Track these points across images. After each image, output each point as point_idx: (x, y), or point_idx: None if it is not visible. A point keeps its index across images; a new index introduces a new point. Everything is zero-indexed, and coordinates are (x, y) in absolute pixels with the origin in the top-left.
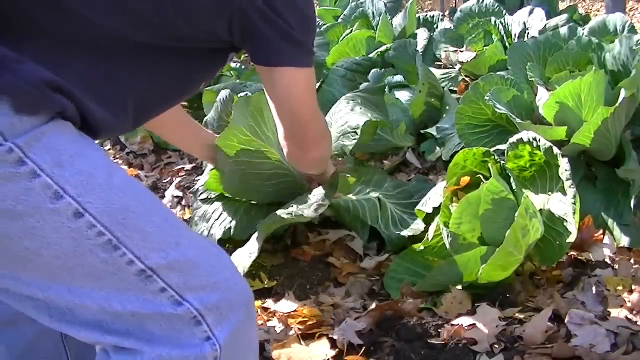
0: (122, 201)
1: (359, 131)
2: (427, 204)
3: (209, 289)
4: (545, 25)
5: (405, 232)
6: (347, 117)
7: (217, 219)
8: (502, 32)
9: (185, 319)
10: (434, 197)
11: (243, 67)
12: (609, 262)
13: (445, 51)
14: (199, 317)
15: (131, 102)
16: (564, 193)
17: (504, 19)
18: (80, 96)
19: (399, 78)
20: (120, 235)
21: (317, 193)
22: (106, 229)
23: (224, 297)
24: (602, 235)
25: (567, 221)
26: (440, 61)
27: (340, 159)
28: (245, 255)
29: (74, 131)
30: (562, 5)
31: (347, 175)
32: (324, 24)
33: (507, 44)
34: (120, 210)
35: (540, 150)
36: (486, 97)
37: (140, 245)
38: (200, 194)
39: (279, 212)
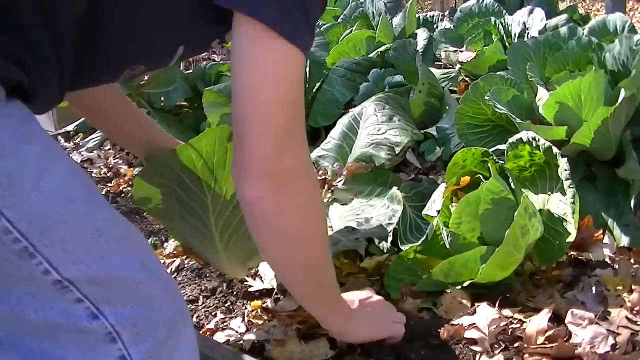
0: (47, 207)
1: (398, 149)
2: (432, 207)
3: (129, 304)
4: (545, 25)
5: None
6: (384, 126)
7: None
8: (502, 32)
9: (100, 334)
10: (438, 200)
11: None
12: (609, 262)
13: (445, 51)
14: (113, 334)
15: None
16: (564, 193)
17: (504, 19)
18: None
19: (399, 78)
20: (38, 243)
21: None
22: (23, 235)
23: (143, 315)
24: (602, 235)
25: (566, 221)
26: (440, 61)
27: (363, 163)
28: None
29: (9, 113)
30: (562, 5)
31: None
32: (324, 24)
33: (507, 44)
34: (42, 217)
35: (539, 150)
36: (486, 97)
37: (60, 255)
38: None
39: None
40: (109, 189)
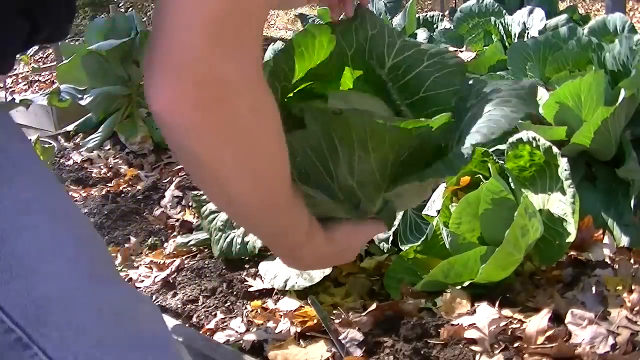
0: (46, 290)
1: None
2: (431, 207)
3: None
4: (545, 25)
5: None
6: None
7: None
8: (502, 32)
9: None
10: (438, 200)
11: None
12: (609, 262)
13: None
14: None
15: None
16: (564, 193)
17: (504, 19)
18: None
19: None
20: (33, 332)
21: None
22: (17, 325)
23: None
24: (602, 235)
25: (566, 221)
26: None
27: None
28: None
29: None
30: (562, 5)
31: None
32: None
33: (507, 44)
34: (39, 302)
35: (539, 150)
36: None
37: (57, 344)
38: None
39: None
40: (109, 189)
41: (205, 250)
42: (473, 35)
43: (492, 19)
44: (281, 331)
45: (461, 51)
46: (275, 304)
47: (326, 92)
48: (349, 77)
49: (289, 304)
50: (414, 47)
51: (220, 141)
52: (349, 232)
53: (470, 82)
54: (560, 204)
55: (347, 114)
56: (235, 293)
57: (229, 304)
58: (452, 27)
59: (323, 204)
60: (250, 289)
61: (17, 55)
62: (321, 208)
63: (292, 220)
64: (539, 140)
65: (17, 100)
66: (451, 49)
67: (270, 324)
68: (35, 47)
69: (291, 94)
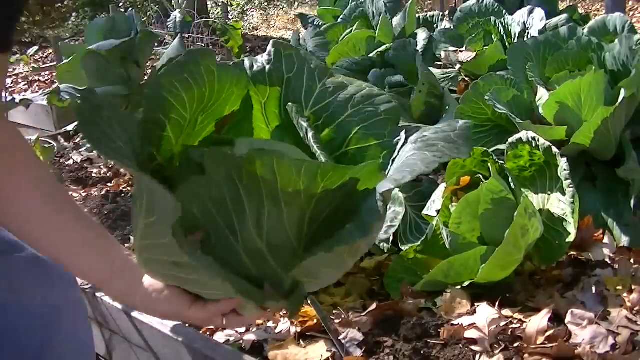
0: None
1: None
2: (431, 207)
3: None
4: (545, 25)
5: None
6: None
7: None
8: (502, 32)
9: None
10: (438, 200)
11: None
12: (609, 262)
13: (445, 51)
14: None
15: None
16: (564, 193)
17: (504, 19)
18: None
19: (399, 78)
20: None
21: None
22: None
23: None
24: (602, 235)
25: (566, 221)
26: (440, 61)
27: None
28: None
29: None
30: (562, 5)
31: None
32: (324, 24)
33: (507, 44)
34: None
35: (539, 150)
36: (486, 97)
37: None
38: None
39: None
40: (109, 189)
41: None
42: (473, 35)
43: (492, 19)
44: (281, 331)
45: (461, 51)
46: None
47: (235, 139)
48: (264, 128)
49: None
50: (338, 92)
51: None
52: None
53: (402, 132)
54: (560, 203)
55: (253, 154)
56: None
57: None
58: (452, 27)
59: (204, 280)
60: None
61: None
62: (199, 284)
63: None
64: (538, 140)
65: (17, 100)
66: (451, 49)
67: (270, 324)
68: (36, 47)
69: (196, 142)
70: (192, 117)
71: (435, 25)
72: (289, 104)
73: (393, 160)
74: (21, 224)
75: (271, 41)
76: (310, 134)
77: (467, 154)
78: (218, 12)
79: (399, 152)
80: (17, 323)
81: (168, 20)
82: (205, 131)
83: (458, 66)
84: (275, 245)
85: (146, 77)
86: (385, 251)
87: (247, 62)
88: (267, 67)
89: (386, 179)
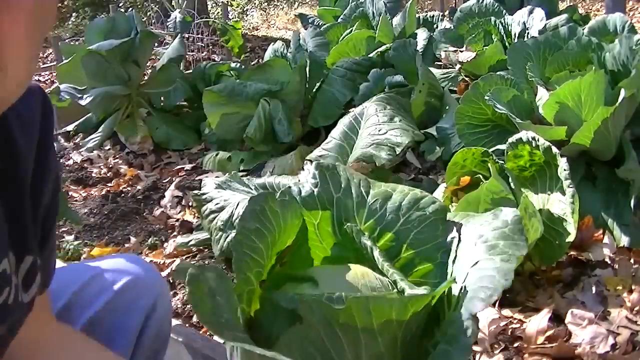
0: None
1: (399, 149)
2: None
3: None
4: (545, 25)
5: None
6: (385, 127)
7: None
8: (502, 32)
9: None
10: None
11: (243, 67)
12: (609, 262)
13: (445, 51)
14: None
15: None
16: (564, 193)
17: (504, 19)
18: None
19: (399, 78)
20: None
21: None
22: None
23: None
24: (602, 235)
25: (566, 221)
26: (440, 61)
27: (364, 163)
28: None
29: None
30: (562, 5)
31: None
32: (324, 24)
33: (507, 44)
34: None
35: (539, 150)
36: (486, 97)
37: None
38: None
39: None
40: (109, 189)
41: (205, 250)
42: (473, 35)
43: (492, 19)
44: None
45: (461, 51)
46: None
47: (301, 269)
48: (319, 246)
49: None
50: (385, 203)
51: None
52: None
53: (454, 230)
54: (560, 203)
55: (349, 304)
56: None
57: None
58: (452, 27)
59: None
60: None
61: None
62: None
63: None
64: (538, 140)
65: None
66: (451, 49)
67: None
68: None
69: (264, 277)
70: (268, 261)
71: (435, 25)
72: (348, 224)
73: (453, 261)
74: None
75: (313, 164)
76: (375, 253)
77: (526, 250)
78: (218, 12)
79: (456, 252)
80: None
81: (168, 20)
82: (270, 262)
83: (458, 66)
84: None
85: (146, 77)
86: None
87: (294, 189)
88: (315, 190)
89: (476, 299)
